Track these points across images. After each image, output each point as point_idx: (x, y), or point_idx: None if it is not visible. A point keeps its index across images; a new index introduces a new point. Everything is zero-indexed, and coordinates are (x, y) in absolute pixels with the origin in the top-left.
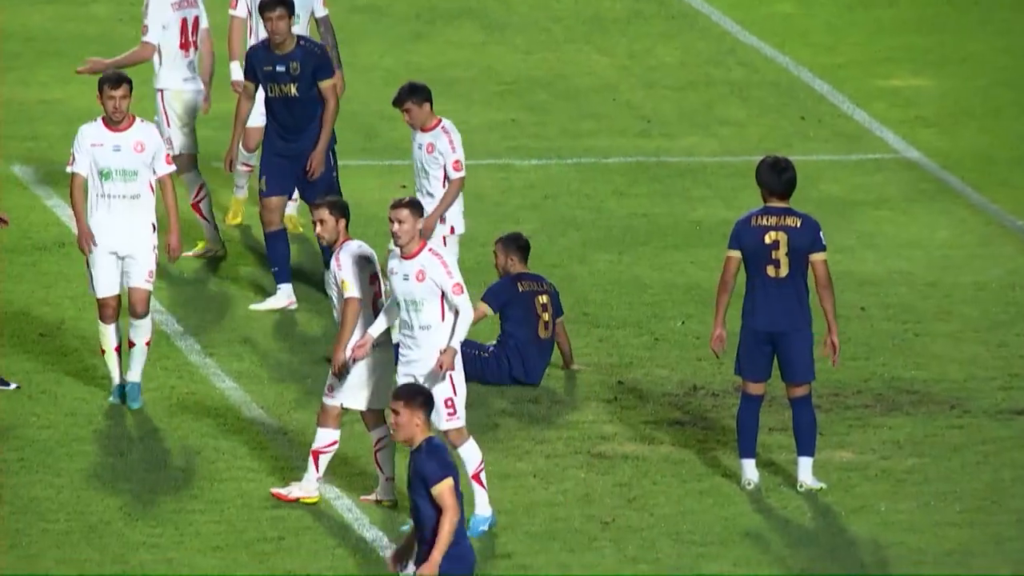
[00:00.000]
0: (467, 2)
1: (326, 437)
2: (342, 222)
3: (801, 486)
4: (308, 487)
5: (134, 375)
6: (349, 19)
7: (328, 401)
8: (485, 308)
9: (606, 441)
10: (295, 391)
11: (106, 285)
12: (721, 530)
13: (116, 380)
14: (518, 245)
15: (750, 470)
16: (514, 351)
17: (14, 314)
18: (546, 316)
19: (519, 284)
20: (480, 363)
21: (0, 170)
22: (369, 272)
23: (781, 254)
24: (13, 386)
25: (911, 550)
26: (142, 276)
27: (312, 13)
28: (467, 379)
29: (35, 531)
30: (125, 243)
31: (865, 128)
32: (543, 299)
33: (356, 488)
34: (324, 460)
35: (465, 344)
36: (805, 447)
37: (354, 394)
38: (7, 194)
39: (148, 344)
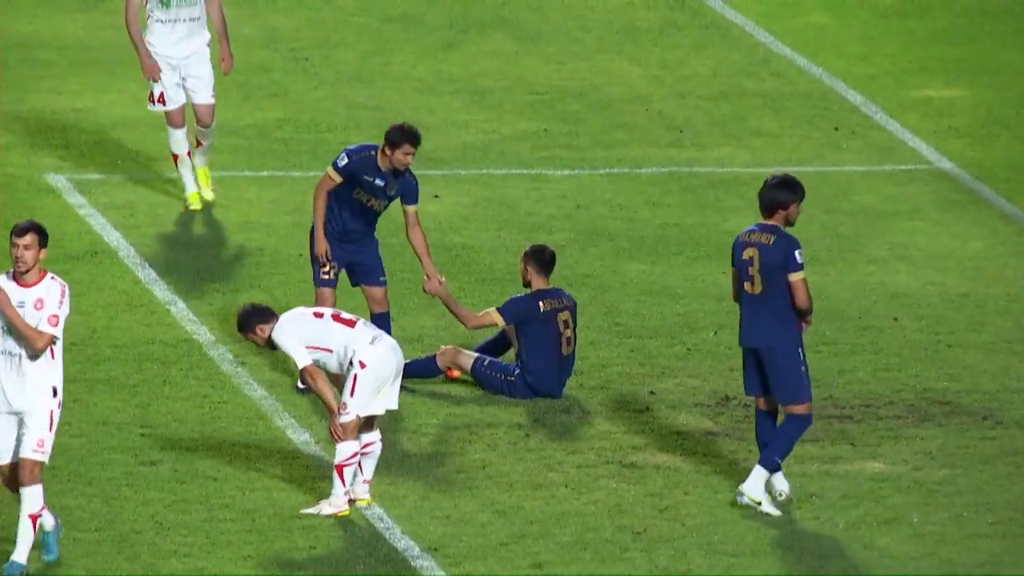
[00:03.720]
0: (500, 12)
1: (347, 450)
2: (263, 328)
3: (741, 494)
4: (337, 502)
5: (18, 554)
6: (382, 28)
7: (343, 419)
8: (496, 317)
9: (638, 451)
10: None
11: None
12: (753, 541)
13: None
14: (541, 260)
15: (779, 481)
16: (535, 372)
17: None
18: (568, 332)
19: (540, 303)
20: (507, 386)
21: (33, 178)
22: (306, 334)
23: (755, 270)
24: None
25: (942, 562)
26: (30, 443)
27: None
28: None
29: (67, 540)
30: (20, 402)
31: (898, 139)
32: (564, 316)
33: (387, 497)
34: (349, 472)
35: (491, 367)
36: (764, 457)
37: (366, 402)
38: (39, 202)
39: (34, 518)
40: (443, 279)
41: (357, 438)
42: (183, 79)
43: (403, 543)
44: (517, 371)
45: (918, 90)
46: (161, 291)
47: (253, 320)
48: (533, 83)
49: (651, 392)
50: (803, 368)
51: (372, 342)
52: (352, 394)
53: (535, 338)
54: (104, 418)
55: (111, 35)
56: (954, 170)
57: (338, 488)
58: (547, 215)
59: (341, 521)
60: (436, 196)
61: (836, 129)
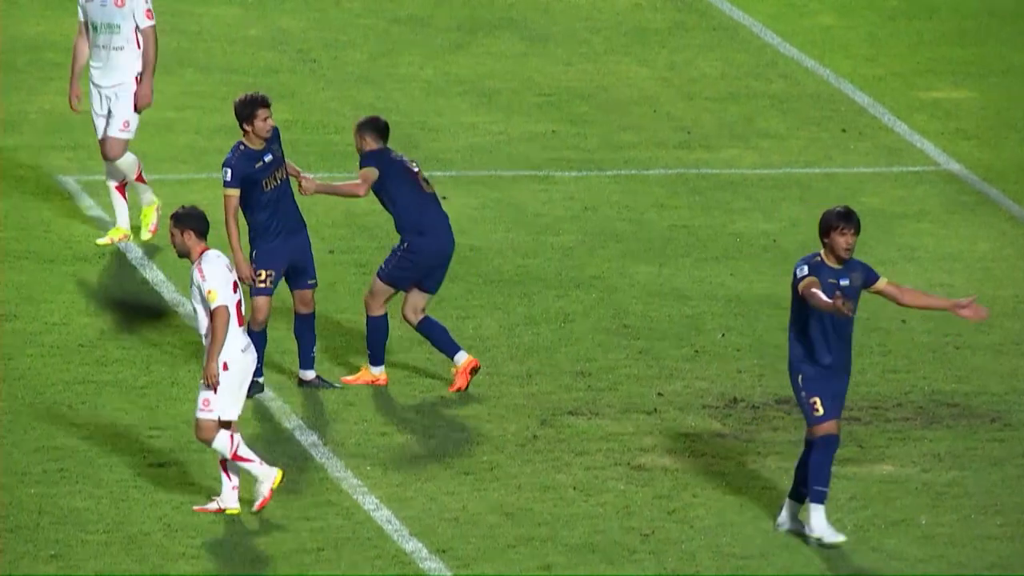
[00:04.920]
0: (508, 13)
1: (223, 442)
2: (189, 234)
3: (819, 541)
4: (229, 498)
5: None
6: (389, 30)
7: (204, 416)
8: (369, 173)
9: (646, 453)
10: (334, 402)
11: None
12: (761, 543)
13: None
14: (376, 126)
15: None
16: (414, 219)
17: (55, 324)
18: (421, 171)
19: (391, 152)
20: (407, 260)
21: (41, 180)
22: (232, 280)
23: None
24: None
25: (952, 564)
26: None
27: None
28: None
29: (75, 542)
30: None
31: (906, 140)
32: (408, 159)
33: (395, 499)
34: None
35: (388, 263)
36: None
37: (230, 405)
38: (48, 204)
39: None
40: (309, 175)
41: (219, 432)
42: (107, 111)
43: (411, 545)
44: (404, 243)
45: (926, 92)
46: (169, 292)
47: (192, 223)
48: (541, 84)
49: (659, 394)
50: (802, 393)
51: (244, 350)
52: (216, 392)
53: (399, 184)
54: (113, 420)
55: None
56: (962, 172)
57: (226, 483)
58: (555, 216)
59: (349, 523)
60: (444, 197)
61: (844, 131)
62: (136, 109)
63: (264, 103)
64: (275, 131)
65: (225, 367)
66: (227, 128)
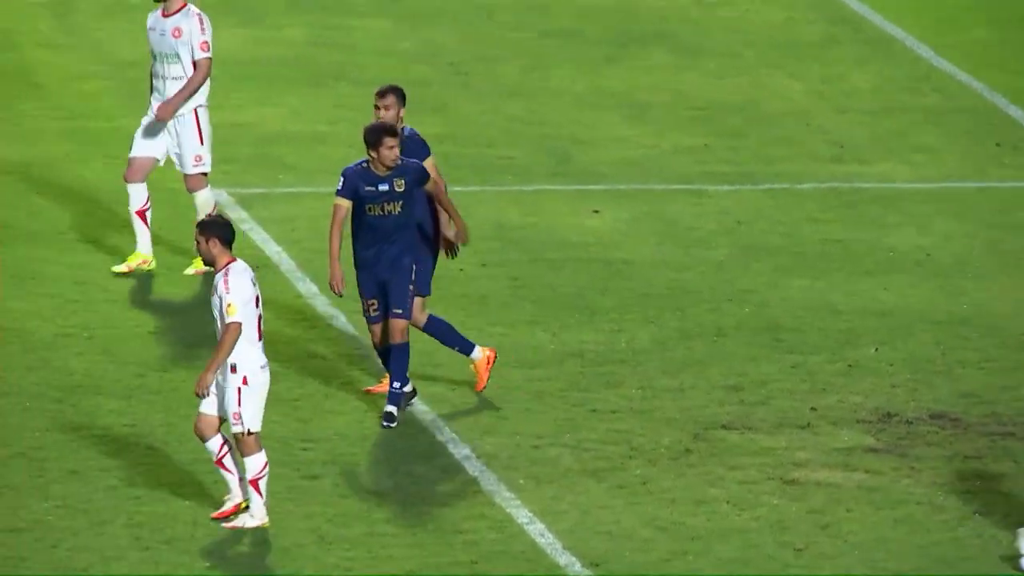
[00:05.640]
0: (660, 26)
1: (258, 463)
2: (214, 242)
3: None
4: (259, 514)
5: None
6: (541, 43)
7: (240, 429)
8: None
9: (799, 468)
10: (487, 416)
11: None
12: (917, 559)
13: None
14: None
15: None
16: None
17: (209, 336)
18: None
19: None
20: (426, 266)
21: None
22: (254, 295)
23: None
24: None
25: None
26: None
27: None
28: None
29: (230, 553)
30: None
31: None
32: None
33: (548, 512)
34: (263, 484)
35: (419, 281)
36: None
37: (253, 415)
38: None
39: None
40: (458, 230)
41: (261, 448)
42: (177, 146)
43: (564, 558)
44: (427, 250)
45: None
46: (322, 305)
47: (217, 231)
48: (693, 98)
49: (812, 408)
50: None
51: (263, 367)
52: (240, 405)
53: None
54: (266, 432)
55: (272, 50)
56: None
57: (256, 501)
58: (707, 230)
59: (502, 536)
60: (596, 211)
61: (998, 144)
62: (156, 118)
63: (391, 132)
64: (415, 170)
65: (245, 381)
66: None
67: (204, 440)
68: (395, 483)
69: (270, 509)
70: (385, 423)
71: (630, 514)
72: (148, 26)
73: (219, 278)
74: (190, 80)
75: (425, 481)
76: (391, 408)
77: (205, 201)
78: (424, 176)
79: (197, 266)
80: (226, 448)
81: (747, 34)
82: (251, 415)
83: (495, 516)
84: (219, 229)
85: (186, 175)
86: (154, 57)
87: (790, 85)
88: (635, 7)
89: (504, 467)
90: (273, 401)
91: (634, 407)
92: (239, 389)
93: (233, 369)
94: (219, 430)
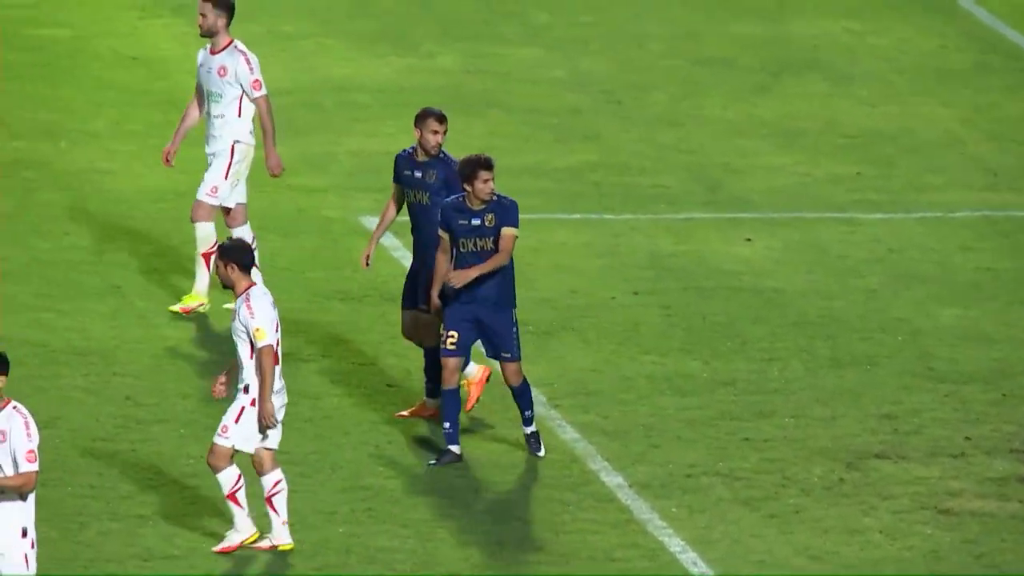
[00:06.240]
0: (812, 54)
1: (228, 478)
2: (232, 267)
3: None
4: (282, 537)
5: None
6: (693, 71)
7: (220, 442)
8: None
9: (953, 497)
10: (639, 444)
11: None
12: None
13: None
14: None
15: None
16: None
17: (364, 364)
18: None
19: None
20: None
21: (348, 221)
22: (275, 319)
23: None
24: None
25: None
26: None
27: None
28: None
29: None
30: None
31: None
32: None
33: (700, 541)
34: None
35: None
36: None
37: (247, 439)
38: (354, 244)
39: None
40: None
41: (231, 464)
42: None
43: None
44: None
45: None
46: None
47: (235, 256)
48: (845, 126)
49: (966, 438)
50: None
51: (278, 392)
52: (237, 422)
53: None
54: (416, 460)
55: (425, 78)
56: None
57: (276, 520)
58: (859, 259)
59: (654, 565)
60: (748, 239)
61: None
62: (272, 175)
63: (487, 166)
64: (507, 207)
65: (253, 403)
66: (531, 168)
67: (216, 471)
68: (547, 512)
69: (431, 536)
70: (533, 452)
71: (783, 543)
72: (198, 62)
73: (240, 304)
74: (263, 123)
75: (577, 509)
76: (532, 429)
77: (206, 235)
78: (513, 218)
79: (185, 303)
80: (242, 483)
81: (898, 62)
82: (244, 437)
83: (648, 545)
84: (238, 254)
85: (196, 201)
86: (200, 94)
87: (942, 113)
88: (787, 36)
89: (656, 496)
90: (428, 427)
91: (787, 436)
92: (243, 408)
93: (246, 390)
94: (232, 460)
